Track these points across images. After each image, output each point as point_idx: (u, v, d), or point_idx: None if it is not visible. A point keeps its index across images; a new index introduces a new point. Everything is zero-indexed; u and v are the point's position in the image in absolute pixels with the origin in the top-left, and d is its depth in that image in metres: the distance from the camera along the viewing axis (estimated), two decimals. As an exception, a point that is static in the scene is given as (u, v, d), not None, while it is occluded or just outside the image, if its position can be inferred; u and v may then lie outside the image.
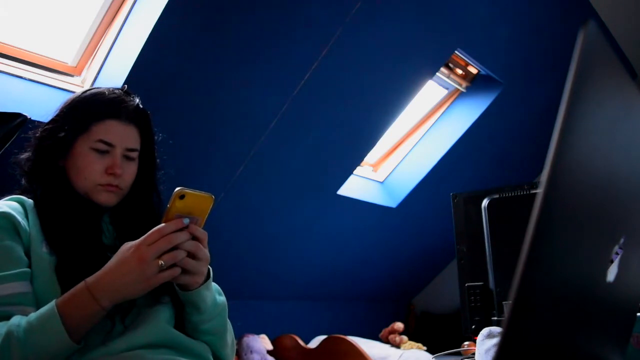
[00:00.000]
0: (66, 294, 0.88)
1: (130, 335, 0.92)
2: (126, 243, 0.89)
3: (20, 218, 0.96)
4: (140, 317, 0.96)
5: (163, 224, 0.88)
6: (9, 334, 0.82)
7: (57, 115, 1.08)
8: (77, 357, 0.88)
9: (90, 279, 0.88)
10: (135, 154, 1.08)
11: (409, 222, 3.38)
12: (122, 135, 1.05)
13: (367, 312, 3.77)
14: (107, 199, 1.05)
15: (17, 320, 0.85)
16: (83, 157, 1.03)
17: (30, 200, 1.03)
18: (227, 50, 2.00)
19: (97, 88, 1.11)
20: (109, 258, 0.91)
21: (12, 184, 1.11)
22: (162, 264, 0.86)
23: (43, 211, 1.01)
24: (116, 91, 1.09)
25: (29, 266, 0.93)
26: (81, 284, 0.88)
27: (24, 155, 1.08)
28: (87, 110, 1.05)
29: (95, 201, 1.05)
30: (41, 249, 0.95)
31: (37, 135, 1.08)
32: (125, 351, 0.90)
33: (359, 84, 2.46)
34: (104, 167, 1.04)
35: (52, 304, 0.86)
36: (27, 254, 0.94)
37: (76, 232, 1.00)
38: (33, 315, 0.85)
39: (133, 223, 1.07)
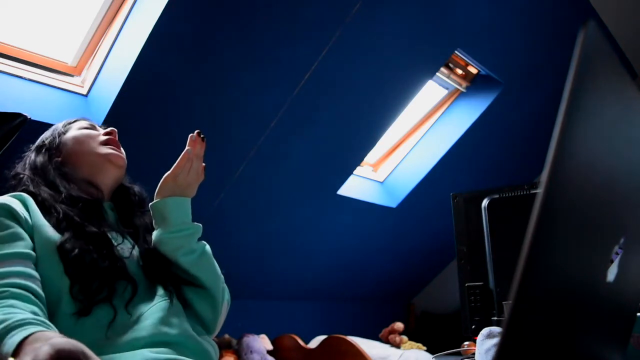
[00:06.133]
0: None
1: (134, 333, 0.92)
2: None
3: (19, 208, 0.97)
4: (143, 313, 0.96)
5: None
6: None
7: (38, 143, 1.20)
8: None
9: None
10: None
11: (409, 222, 3.38)
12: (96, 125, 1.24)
13: (367, 312, 3.77)
14: (117, 160, 1.14)
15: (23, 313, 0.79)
16: (78, 137, 1.16)
17: (28, 196, 1.03)
18: (227, 50, 2.00)
19: None
20: (110, 238, 0.99)
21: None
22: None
23: (47, 205, 1.02)
24: None
25: (34, 250, 0.94)
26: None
27: (19, 168, 1.14)
28: (62, 124, 1.21)
29: (106, 172, 1.13)
30: (48, 231, 0.96)
31: (27, 155, 1.17)
32: (129, 350, 0.90)
33: (359, 84, 2.46)
34: (99, 134, 1.17)
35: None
36: (31, 239, 0.95)
37: (79, 214, 1.02)
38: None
39: (130, 208, 1.17)
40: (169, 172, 1.11)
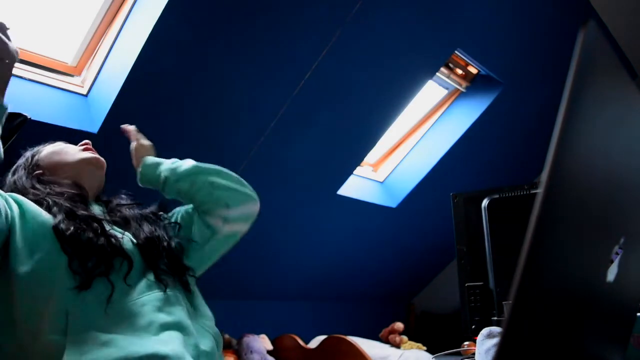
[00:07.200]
0: None
1: (131, 318, 0.93)
2: None
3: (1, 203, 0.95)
4: (140, 298, 0.97)
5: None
6: None
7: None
8: (80, 334, 0.88)
9: None
10: None
11: (409, 222, 3.38)
12: None
13: (367, 312, 3.77)
14: (97, 161, 1.19)
15: None
16: (54, 150, 1.20)
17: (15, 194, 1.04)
18: (227, 50, 2.00)
19: None
20: (102, 222, 1.02)
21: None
22: None
23: (35, 200, 1.03)
24: None
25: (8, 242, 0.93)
26: None
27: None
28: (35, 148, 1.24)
29: (89, 176, 1.17)
30: (42, 215, 0.97)
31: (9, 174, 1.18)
32: (128, 333, 0.91)
33: (359, 84, 2.46)
34: (75, 146, 1.22)
35: None
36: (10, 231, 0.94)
37: (68, 202, 1.04)
38: None
39: (118, 203, 1.20)
40: (134, 143, 1.30)
